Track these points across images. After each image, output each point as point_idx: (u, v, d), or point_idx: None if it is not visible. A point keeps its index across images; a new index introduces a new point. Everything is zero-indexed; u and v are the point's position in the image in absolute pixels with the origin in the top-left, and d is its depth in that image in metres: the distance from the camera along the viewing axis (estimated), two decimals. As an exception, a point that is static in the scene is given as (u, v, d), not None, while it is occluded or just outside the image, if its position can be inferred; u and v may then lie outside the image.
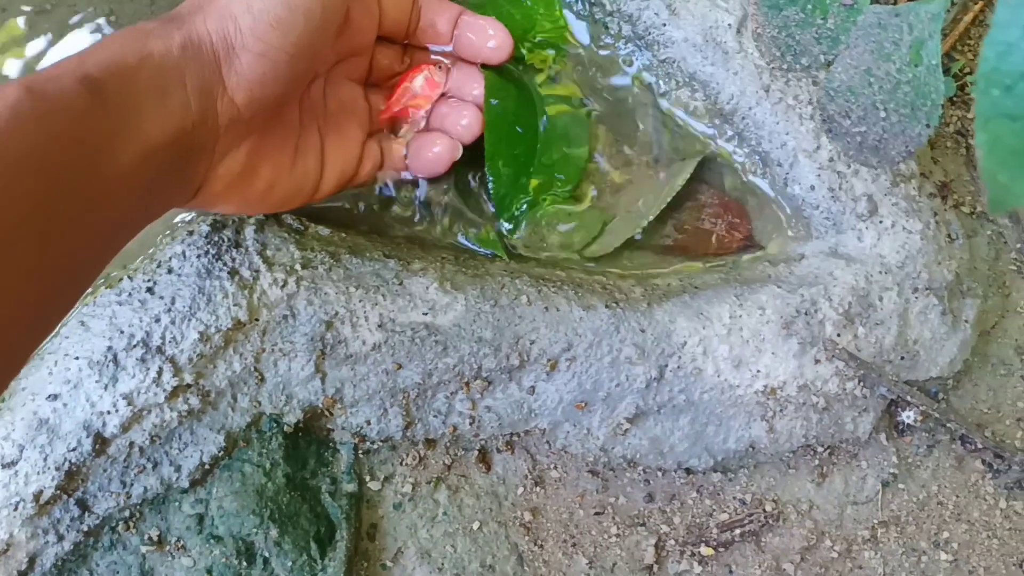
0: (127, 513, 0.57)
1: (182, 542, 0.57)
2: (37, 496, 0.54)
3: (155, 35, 0.43)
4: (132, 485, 0.56)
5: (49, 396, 0.55)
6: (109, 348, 0.55)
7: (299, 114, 0.54)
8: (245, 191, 0.51)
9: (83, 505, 0.55)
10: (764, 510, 0.60)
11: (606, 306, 0.59)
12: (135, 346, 0.55)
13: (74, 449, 0.54)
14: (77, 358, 0.55)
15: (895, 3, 0.65)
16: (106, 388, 0.55)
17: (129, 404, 0.55)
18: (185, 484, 0.57)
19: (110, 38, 0.43)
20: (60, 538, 0.55)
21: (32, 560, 0.54)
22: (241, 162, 0.49)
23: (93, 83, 0.39)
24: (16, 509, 0.54)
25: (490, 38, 0.58)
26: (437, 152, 0.59)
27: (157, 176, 0.43)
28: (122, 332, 0.56)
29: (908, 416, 0.62)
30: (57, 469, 0.54)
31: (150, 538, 0.57)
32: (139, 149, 0.41)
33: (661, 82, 0.65)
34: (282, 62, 0.46)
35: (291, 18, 0.45)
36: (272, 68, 0.46)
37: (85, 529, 0.56)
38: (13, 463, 0.54)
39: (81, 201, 0.39)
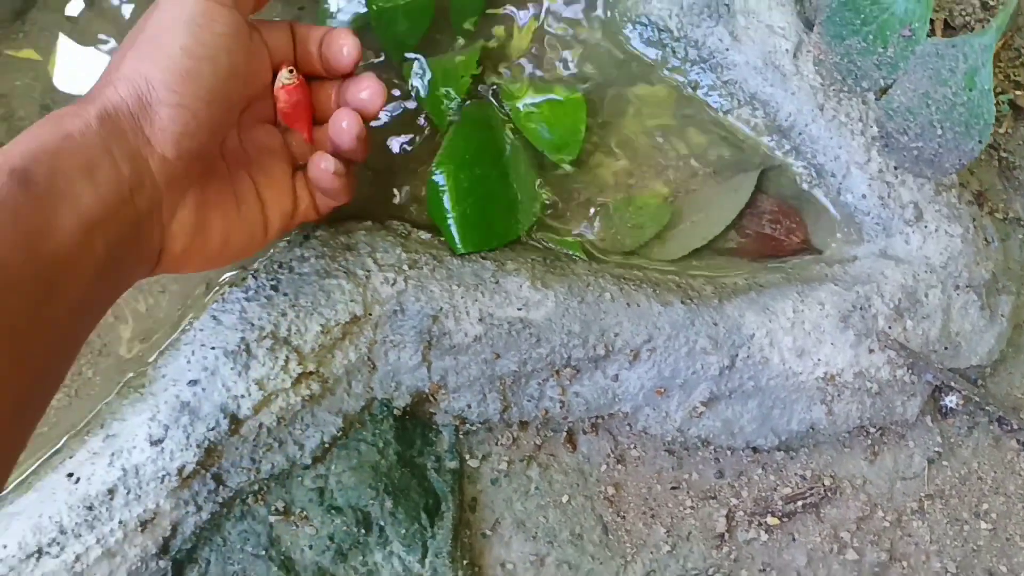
0: (256, 487, 0.63)
1: (305, 513, 0.64)
2: (180, 471, 0.60)
3: (71, 116, 0.44)
4: (261, 462, 0.63)
5: (190, 382, 0.61)
6: (242, 339, 0.62)
7: (225, 164, 0.55)
8: (204, 247, 0.52)
9: (218, 479, 0.62)
10: (823, 484, 0.67)
11: (682, 302, 0.66)
12: (265, 337, 0.62)
13: (212, 429, 0.61)
14: (213, 348, 0.62)
15: (932, 32, 0.72)
16: (240, 375, 0.62)
17: (260, 389, 0.62)
18: (308, 461, 0.64)
19: (27, 130, 0.43)
20: (199, 508, 0.62)
21: (175, 528, 0.61)
22: (191, 218, 0.50)
23: (21, 174, 0.40)
24: (162, 482, 0.60)
25: (341, 46, 0.57)
26: (323, 168, 0.57)
27: (109, 252, 0.43)
28: (252, 325, 0.62)
29: (951, 400, 0.69)
30: (198, 447, 0.60)
31: (276, 509, 0.64)
32: (79, 229, 0.41)
33: (724, 100, 0.72)
34: (200, 110, 0.47)
35: (197, 67, 0.47)
36: (192, 117, 0.47)
37: (220, 501, 0.62)
38: (159, 441, 0.60)
39: (29, 295, 0.39)
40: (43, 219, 0.40)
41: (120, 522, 0.59)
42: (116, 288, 0.47)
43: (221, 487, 0.62)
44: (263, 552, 0.63)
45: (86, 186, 0.42)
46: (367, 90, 0.57)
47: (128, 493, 0.60)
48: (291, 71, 0.57)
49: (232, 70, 0.49)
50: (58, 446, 0.64)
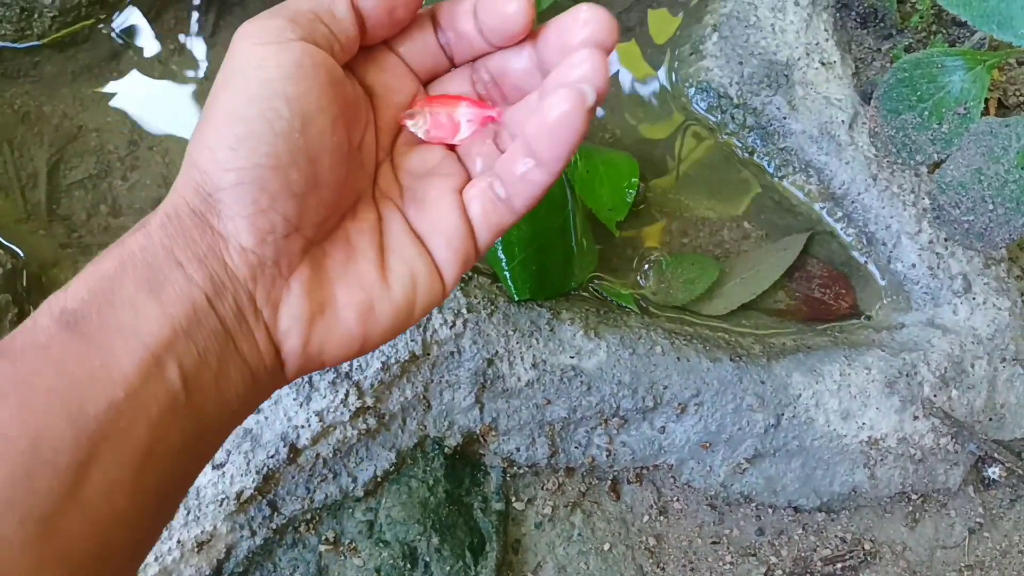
0: (308, 516, 0.65)
1: (354, 544, 0.66)
2: (239, 495, 0.63)
3: (134, 231, 0.38)
4: (315, 491, 0.65)
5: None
6: (306, 371, 0.64)
7: (376, 212, 0.44)
8: (341, 330, 0.41)
9: (273, 506, 0.64)
10: (863, 548, 0.68)
11: (731, 359, 0.67)
12: (328, 371, 0.65)
13: (272, 456, 0.63)
14: (278, 378, 0.65)
15: (986, 111, 0.74)
16: (302, 405, 0.64)
17: (320, 420, 0.64)
18: (360, 493, 0.66)
19: (95, 259, 0.38)
20: (253, 533, 0.64)
21: (229, 551, 0.63)
22: (304, 304, 0.40)
23: (70, 315, 0.35)
24: (221, 505, 0.63)
25: (505, 4, 0.42)
26: (562, 102, 0.38)
27: (189, 376, 0.37)
28: (316, 358, 0.65)
29: (994, 471, 0.70)
30: (257, 473, 0.63)
31: (327, 539, 0.66)
32: (144, 361, 0.35)
33: (780, 167, 0.74)
34: (269, 179, 0.38)
35: (250, 130, 0.38)
36: (261, 191, 0.38)
37: (273, 527, 0.64)
38: (221, 465, 0.63)
39: (65, 467, 0.33)
40: (94, 364, 0.35)
41: (178, 541, 0.62)
42: (217, 413, 0.39)
43: (275, 514, 0.64)
44: (312, 580, 0.65)
45: (151, 308, 0.36)
46: (584, 65, 0.39)
47: (188, 514, 0.62)
48: (412, 115, 0.45)
49: (304, 117, 0.39)
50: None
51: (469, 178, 0.45)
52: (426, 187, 0.45)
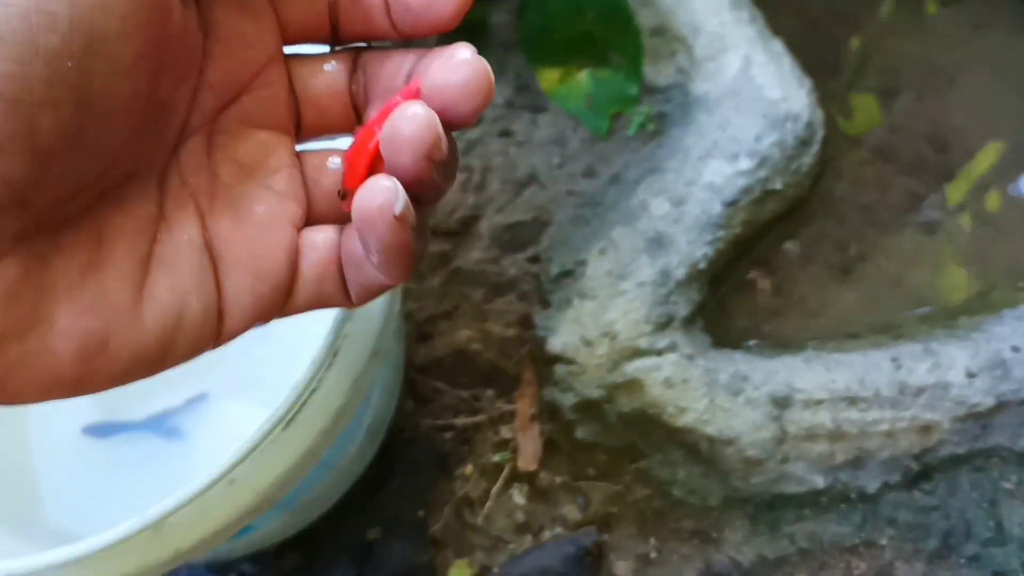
0: (1003, 454, 0.73)
1: (1032, 495, 0.73)
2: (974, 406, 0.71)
3: None
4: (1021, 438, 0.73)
5: (1012, 347, 0.73)
6: None
7: (158, 206, 0.30)
8: (44, 366, 0.27)
9: (985, 429, 0.72)
10: None
11: None
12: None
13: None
14: None
15: None
16: None
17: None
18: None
19: None
20: (957, 443, 0.72)
21: (937, 446, 0.72)
22: None
23: None
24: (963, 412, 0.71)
25: None
26: (380, 201, 0.27)
27: None
28: None
29: None
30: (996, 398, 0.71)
31: (1008, 480, 0.73)
32: None
33: None
34: (2, 114, 0.23)
35: None
36: None
37: (967, 450, 0.72)
38: (974, 375, 0.72)
39: None
40: None
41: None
42: None
43: (983, 437, 0.72)
44: (985, 505, 0.73)
45: None
46: (461, 70, 0.28)
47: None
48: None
49: (92, 40, 0.24)
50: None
51: (308, 202, 0.32)
52: (258, 199, 0.31)
